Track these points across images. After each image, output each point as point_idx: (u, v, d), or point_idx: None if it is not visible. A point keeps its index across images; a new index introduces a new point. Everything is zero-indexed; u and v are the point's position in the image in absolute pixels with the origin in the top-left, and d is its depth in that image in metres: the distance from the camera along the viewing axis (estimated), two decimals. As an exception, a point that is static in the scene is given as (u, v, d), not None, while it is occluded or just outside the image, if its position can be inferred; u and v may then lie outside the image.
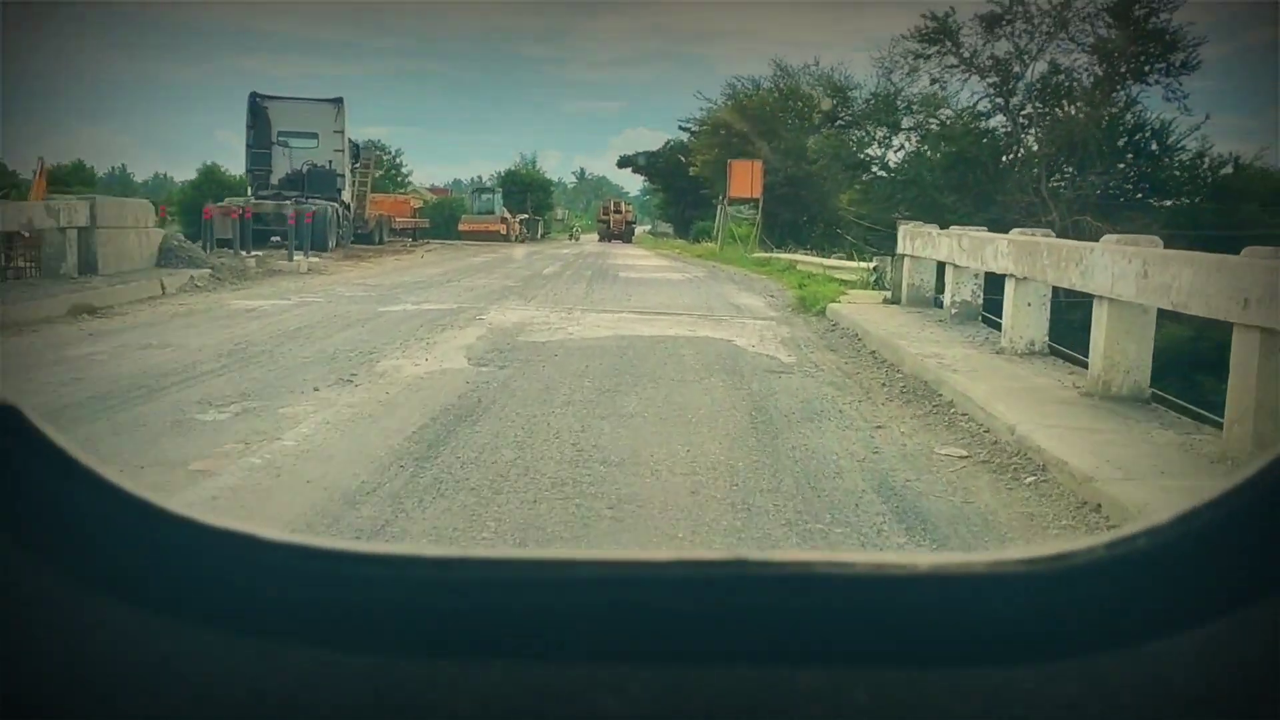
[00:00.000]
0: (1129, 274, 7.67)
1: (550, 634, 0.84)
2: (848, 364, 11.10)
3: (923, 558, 1.14)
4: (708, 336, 13.04)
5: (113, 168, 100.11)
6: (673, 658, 0.84)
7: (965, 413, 8.14)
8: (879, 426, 7.95)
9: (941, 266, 14.50)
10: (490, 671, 0.83)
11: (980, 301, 13.10)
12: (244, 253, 23.04)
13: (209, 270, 18.36)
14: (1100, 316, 8.25)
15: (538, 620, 0.85)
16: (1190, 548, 0.86)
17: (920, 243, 14.55)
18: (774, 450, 7.07)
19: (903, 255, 15.31)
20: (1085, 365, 9.67)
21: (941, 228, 14.85)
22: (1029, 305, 10.43)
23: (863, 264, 20.86)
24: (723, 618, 0.85)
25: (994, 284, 13.37)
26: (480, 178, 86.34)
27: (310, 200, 31.90)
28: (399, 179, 75.83)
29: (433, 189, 76.55)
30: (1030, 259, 9.95)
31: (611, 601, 0.85)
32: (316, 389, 8.62)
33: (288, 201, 30.10)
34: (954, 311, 13.01)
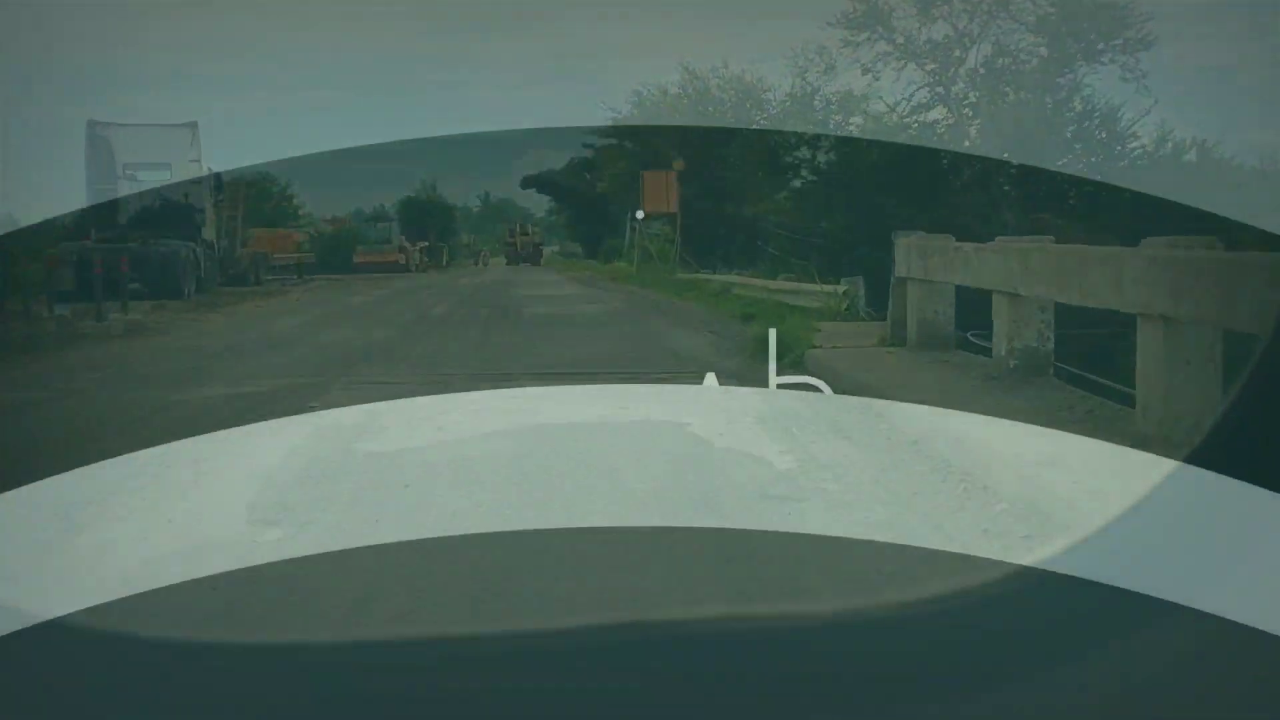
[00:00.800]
0: None
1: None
2: (886, 471, 6.81)
3: (825, 604, 1.44)
4: (648, 420, 8.71)
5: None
6: None
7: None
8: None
9: (962, 293, 10.48)
10: None
11: (1051, 346, 8.93)
12: (46, 313, 18.33)
13: (-36, 344, 13.66)
14: None
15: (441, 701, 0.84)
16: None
17: (938, 261, 10.38)
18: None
19: (904, 279, 11.14)
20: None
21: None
22: (1188, 364, 6.28)
23: (826, 287, 16.73)
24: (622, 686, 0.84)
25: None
26: (383, 207, 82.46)
27: (163, 240, 27.93)
28: (291, 211, 71.34)
29: (333, 220, 72.42)
30: (1219, 286, 5.77)
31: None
32: None
33: (132, 244, 26.06)
34: (1013, 364, 8.82)
